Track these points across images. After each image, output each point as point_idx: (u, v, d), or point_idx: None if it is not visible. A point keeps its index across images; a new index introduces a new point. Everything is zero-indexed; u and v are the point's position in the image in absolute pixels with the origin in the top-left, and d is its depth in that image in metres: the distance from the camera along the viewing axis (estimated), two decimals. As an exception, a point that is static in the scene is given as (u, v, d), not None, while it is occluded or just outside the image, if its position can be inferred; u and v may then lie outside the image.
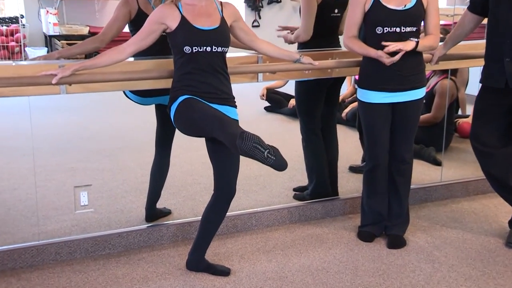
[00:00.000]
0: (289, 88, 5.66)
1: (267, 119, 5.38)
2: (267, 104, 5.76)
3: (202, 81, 2.31)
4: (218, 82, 2.33)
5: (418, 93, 2.71)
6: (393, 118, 2.74)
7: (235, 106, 2.41)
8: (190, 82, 2.31)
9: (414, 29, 2.62)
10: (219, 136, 2.16)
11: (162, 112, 2.81)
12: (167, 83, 2.49)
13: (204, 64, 2.31)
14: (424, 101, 4.05)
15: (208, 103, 2.30)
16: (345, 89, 5.51)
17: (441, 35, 4.27)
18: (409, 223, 2.96)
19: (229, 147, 2.14)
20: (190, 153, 4.25)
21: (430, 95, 4.19)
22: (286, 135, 4.78)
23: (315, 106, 3.13)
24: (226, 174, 2.38)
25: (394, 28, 2.59)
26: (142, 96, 2.73)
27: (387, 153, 2.79)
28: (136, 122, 5.31)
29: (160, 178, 2.97)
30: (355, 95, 2.98)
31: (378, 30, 2.61)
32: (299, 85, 3.15)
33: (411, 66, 2.64)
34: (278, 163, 2.09)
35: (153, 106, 2.88)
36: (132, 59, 2.57)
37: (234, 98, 2.41)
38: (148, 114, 3.00)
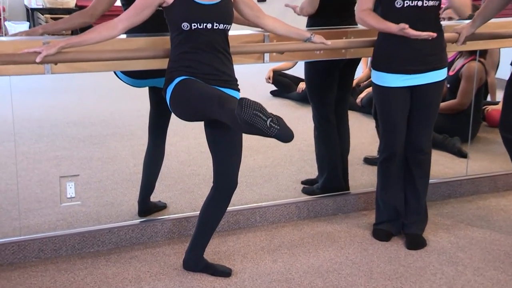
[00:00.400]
0: (298, 70, 5.65)
1: (273, 105, 5.38)
2: (273, 88, 5.75)
3: (201, 61, 2.30)
4: (219, 62, 2.33)
5: (440, 75, 2.70)
6: (412, 103, 2.73)
7: (238, 90, 2.41)
8: (188, 63, 2.31)
9: (437, 3, 2.62)
10: (219, 115, 2.16)
11: (156, 95, 2.82)
12: (162, 63, 2.49)
13: (204, 43, 2.30)
14: (448, 85, 4.02)
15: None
16: (361, 71, 5.51)
17: (470, 13, 4.23)
18: (427, 220, 2.97)
19: (231, 124, 2.14)
20: (188, 141, 4.26)
21: (456, 79, 4.17)
22: (294, 122, 4.78)
23: (327, 90, 3.13)
24: (227, 164, 2.39)
25: (416, 2, 2.57)
26: (134, 77, 2.74)
27: (404, 142, 2.79)
28: (128, 106, 5.31)
29: (155, 168, 2.98)
30: (370, 79, 2.97)
31: (397, 3, 2.59)
32: (309, 67, 3.14)
33: (432, 44, 2.62)
34: (283, 132, 2.08)
35: (146, 89, 2.89)
36: (124, 36, 2.57)
37: (236, 80, 2.41)
38: (141, 97, 3.01)
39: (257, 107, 2.02)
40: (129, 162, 3.79)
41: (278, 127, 2.06)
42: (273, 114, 2.06)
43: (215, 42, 2.33)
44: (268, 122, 2.04)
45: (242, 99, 2.04)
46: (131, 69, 2.64)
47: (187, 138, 4.28)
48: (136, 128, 4.59)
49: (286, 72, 5.73)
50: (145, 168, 2.98)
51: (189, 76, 2.30)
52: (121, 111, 5.04)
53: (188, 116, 2.36)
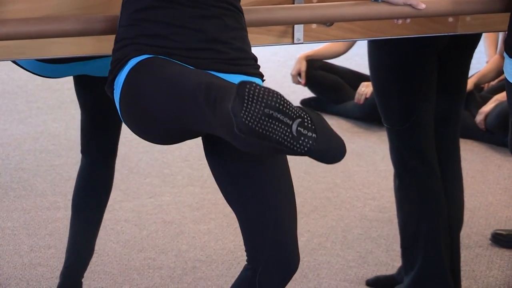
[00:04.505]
0: (357, 58, 5.70)
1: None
2: (308, 93, 5.80)
3: (181, 25, 2.33)
4: (219, 26, 2.34)
5: None
6: None
7: (261, 76, 2.42)
8: (154, 28, 2.34)
9: None
10: (212, 126, 2.12)
11: (90, 92, 2.95)
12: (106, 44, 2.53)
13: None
14: None
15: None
16: (483, 62, 5.55)
17: None
18: None
19: (230, 138, 2.11)
20: (171, 190, 4.30)
21: None
22: (352, 161, 4.81)
23: (417, 97, 3.16)
24: (269, 224, 2.39)
25: None
26: (50, 60, 2.84)
27: None
28: (31, 126, 5.36)
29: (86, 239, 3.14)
30: (503, 76, 2.97)
31: None
32: (379, 53, 3.19)
33: None
34: (324, 145, 2.00)
35: (69, 81, 2.98)
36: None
37: (255, 59, 2.42)
38: (60, 96, 3.06)
39: (272, 100, 1.95)
40: (22, 244, 3.85)
41: (315, 135, 2.01)
42: (302, 109, 2.00)
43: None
44: (293, 126, 1.97)
45: (243, 83, 1.98)
46: (44, 57, 2.72)
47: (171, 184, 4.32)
48: (33, 174, 4.65)
49: (332, 62, 5.80)
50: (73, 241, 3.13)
51: (156, 54, 2.33)
52: (20, 134, 5.10)
53: (154, 132, 2.36)
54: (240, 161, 2.37)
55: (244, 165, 2.38)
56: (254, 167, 2.37)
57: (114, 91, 2.34)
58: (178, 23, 2.31)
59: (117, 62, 2.33)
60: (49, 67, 2.86)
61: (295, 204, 2.41)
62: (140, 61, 2.28)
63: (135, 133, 2.36)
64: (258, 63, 2.43)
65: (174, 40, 2.30)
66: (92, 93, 2.92)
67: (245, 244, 2.41)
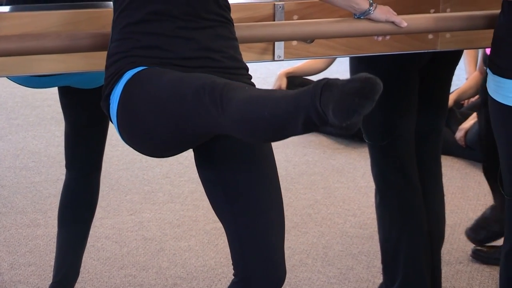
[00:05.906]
0: (337, 75, 5.68)
1: (288, 145, 5.41)
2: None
3: (175, 35, 2.36)
4: (210, 35, 2.38)
5: None
6: None
7: (253, 85, 2.36)
8: (148, 40, 2.35)
9: None
10: (224, 122, 2.13)
11: (75, 104, 2.98)
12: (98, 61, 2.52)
13: (177, 2, 2.36)
14: None
15: None
16: (463, 79, 5.56)
17: None
18: None
19: (243, 134, 2.15)
20: (153, 210, 4.30)
21: None
22: (332, 179, 4.81)
23: (398, 114, 3.17)
24: (259, 235, 2.40)
25: None
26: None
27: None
28: (11, 143, 5.36)
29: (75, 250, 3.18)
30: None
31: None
32: (361, 69, 3.17)
33: None
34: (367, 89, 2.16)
35: (50, 98, 2.97)
36: (5, 8, 2.63)
37: (247, 68, 2.44)
38: (40, 113, 3.06)
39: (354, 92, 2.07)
40: (2, 261, 3.82)
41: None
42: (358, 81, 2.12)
43: (199, 1, 2.38)
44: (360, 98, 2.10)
45: (325, 84, 2.08)
46: (35, 73, 2.73)
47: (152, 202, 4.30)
48: (13, 191, 4.62)
49: (312, 78, 5.80)
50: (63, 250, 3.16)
51: (152, 65, 2.32)
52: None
53: (157, 144, 2.38)
54: (233, 174, 2.39)
55: (236, 178, 2.39)
56: (247, 180, 2.39)
57: (110, 105, 2.34)
58: (171, 33, 2.33)
59: (112, 76, 2.34)
60: (34, 79, 2.88)
61: (284, 218, 2.42)
62: (136, 73, 2.29)
63: (132, 147, 2.37)
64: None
65: (168, 50, 2.32)
66: (76, 105, 2.95)
67: (232, 258, 2.41)
